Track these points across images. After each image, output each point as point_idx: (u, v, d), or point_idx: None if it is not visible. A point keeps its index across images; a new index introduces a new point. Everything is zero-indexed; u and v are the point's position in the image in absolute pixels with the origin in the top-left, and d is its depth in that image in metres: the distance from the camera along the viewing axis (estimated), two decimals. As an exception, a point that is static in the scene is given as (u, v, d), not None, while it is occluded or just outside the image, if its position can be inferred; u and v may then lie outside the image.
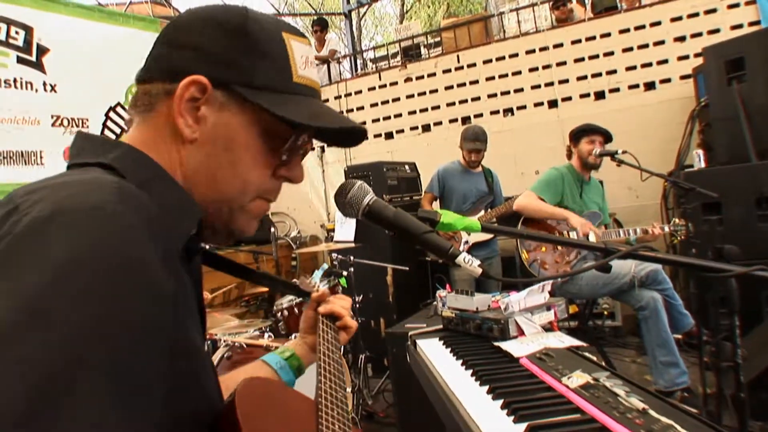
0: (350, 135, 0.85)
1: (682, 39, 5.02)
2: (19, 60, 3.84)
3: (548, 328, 1.69)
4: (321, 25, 7.77)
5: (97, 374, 0.45)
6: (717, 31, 4.85)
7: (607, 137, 3.55)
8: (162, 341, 0.55)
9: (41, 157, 3.95)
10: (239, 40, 0.71)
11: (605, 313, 4.67)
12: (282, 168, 0.78)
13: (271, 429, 0.78)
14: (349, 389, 2.86)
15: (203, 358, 0.71)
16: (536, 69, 5.64)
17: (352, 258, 3.73)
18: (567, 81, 5.50)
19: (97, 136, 0.73)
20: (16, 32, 3.79)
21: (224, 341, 2.93)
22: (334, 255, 3.85)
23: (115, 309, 0.48)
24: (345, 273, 3.66)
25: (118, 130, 4.37)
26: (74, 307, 0.46)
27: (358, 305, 3.64)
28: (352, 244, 4.06)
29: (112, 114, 4.43)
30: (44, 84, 3.93)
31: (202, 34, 0.71)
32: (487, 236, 4.20)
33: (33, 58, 3.89)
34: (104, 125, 4.31)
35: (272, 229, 4.82)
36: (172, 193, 0.68)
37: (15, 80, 3.83)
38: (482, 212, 4.20)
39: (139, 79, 0.73)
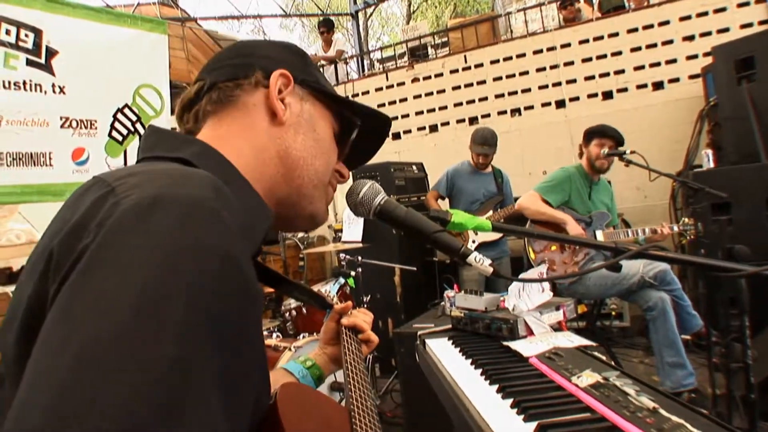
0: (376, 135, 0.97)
1: (690, 38, 5.00)
2: (29, 62, 3.87)
3: (557, 328, 1.69)
4: (327, 26, 7.79)
5: (209, 374, 0.46)
6: (726, 30, 4.83)
7: (619, 142, 3.49)
8: (260, 342, 0.60)
9: (50, 159, 3.98)
10: (301, 57, 0.87)
11: (613, 313, 4.66)
12: (337, 162, 0.89)
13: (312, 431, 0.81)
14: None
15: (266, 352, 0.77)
16: (544, 69, 5.64)
17: (359, 258, 3.73)
18: (575, 81, 5.49)
19: (168, 130, 0.77)
20: (26, 35, 3.82)
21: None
22: (342, 255, 3.86)
23: (223, 308, 0.49)
24: (353, 273, 3.67)
25: (125, 132, 4.40)
26: (186, 303, 0.46)
27: (366, 305, 3.65)
28: (360, 245, 4.07)
29: (119, 115, 4.45)
30: (53, 86, 3.96)
31: (275, 51, 0.85)
32: (496, 236, 4.20)
33: (42, 61, 3.92)
34: (112, 126, 4.35)
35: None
36: (249, 195, 0.72)
37: (24, 83, 3.86)
38: (491, 212, 4.20)
39: (215, 83, 0.79)
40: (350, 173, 0.93)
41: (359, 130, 0.90)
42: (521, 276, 4.59)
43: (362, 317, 1.23)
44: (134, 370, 0.42)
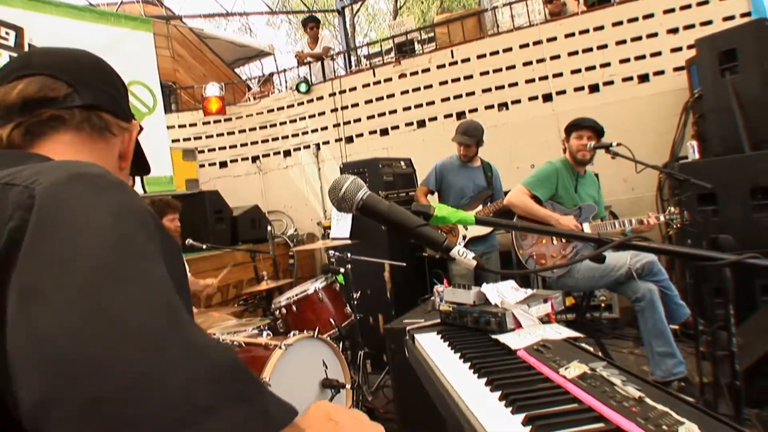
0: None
1: (675, 31, 5.03)
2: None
3: (545, 320, 1.69)
4: (314, 22, 7.76)
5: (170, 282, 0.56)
6: (709, 22, 4.87)
7: (598, 132, 3.51)
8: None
9: (37, 158, 3.94)
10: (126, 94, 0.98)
11: (603, 305, 4.69)
12: None
13: None
14: (348, 386, 2.87)
15: None
16: (530, 63, 5.65)
17: (349, 255, 3.73)
18: (561, 74, 5.50)
19: (2, 150, 0.79)
20: (6, 33, 3.78)
21: (223, 340, 2.93)
22: (331, 252, 3.85)
23: (169, 252, 0.61)
24: (342, 270, 3.67)
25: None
26: (144, 240, 0.56)
27: (356, 302, 3.65)
28: (349, 241, 4.07)
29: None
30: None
31: (118, 82, 0.93)
32: (486, 231, 4.21)
33: (25, 59, 3.88)
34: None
35: (269, 228, 4.82)
36: None
37: (8, 81, 3.81)
38: (480, 207, 4.20)
39: (94, 106, 0.85)
40: None
41: None
42: (507, 272, 4.61)
43: None
44: (138, 281, 0.51)
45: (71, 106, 0.81)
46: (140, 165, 1.04)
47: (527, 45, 5.67)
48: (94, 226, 0.53)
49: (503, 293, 1.72)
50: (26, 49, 3.95)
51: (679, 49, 4.97)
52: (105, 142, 0.86)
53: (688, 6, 4.98)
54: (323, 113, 6.80)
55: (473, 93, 5.94)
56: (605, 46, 5.31)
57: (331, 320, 3.34)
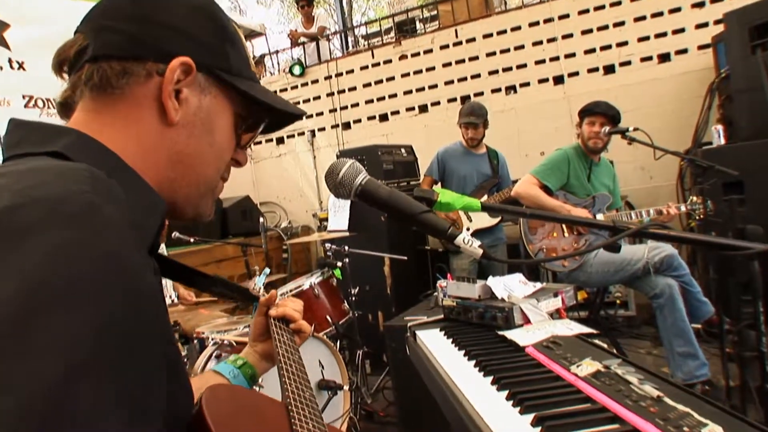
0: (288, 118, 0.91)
1: (700, 5, 4.98)
2: (-23, 36, 3.80)
3: (556, 316, 1.69)
4: (307, 0, 7.72)
5: (100, 383, 0.44)
6: (738, -6, 4.83)
7: (612, 118, 3.47)
8: (159, 344, 0.55)
9: (16, 141, 3.93)
10: (216, 27, 0.78)
11: (618, 302, 4.69)
12: (236, 151, 0.85)
13: None
14: (346, 387, 2.87)
15: (180, 354, 0.73)
16: (540, 43, 5.61)
17: (346, 248, 3.72)
18: (574, 55, 5.47)
19: (35, 122, 0.69)
20: (-26, 9, 3.75)
21: (212, 339, 2.94)
22: (328, 245, 3.84)
23: (105, 315, 0.47)
24: (339, 264, 3.66)
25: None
26: (61, 317, 0.44)
27: (354, 298, 3.65)
28: (347, 234, 4.06)
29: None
30: (9, 61, 3.88)
31: (184, 17, 0.75)
32: (492, 222, 4.21)
33: (-8, 34, 3.85)
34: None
35: (261, 220, 4.81)
36: (136, 185, 0.68)
37: (-24, 57, 3.79)
38: (486, 197, 4.20)
39: (99, 56, 0.70)
40: (248, 158, 0.89)
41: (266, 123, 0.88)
42: (513, 261, 4.60)
43: (291, 306, 1.24)
44: (10, 394, 0.40)
45: (82, 63, 0.70)
46: (272, 116, 0.85)
47: (537, 23, 5.63)
48: None
49: (510, 287, 1.71)
50: (-5, 25, 3.92)
51: (705, 24, 4.92)
52: (115, 101, 0.70)
53: (715, -23, 4.94)
54: (318, 97, 6.78)
55: (479, 75, 5.91)
56: (622, 24, 5.27)
57: (328, 317, 3.33)
